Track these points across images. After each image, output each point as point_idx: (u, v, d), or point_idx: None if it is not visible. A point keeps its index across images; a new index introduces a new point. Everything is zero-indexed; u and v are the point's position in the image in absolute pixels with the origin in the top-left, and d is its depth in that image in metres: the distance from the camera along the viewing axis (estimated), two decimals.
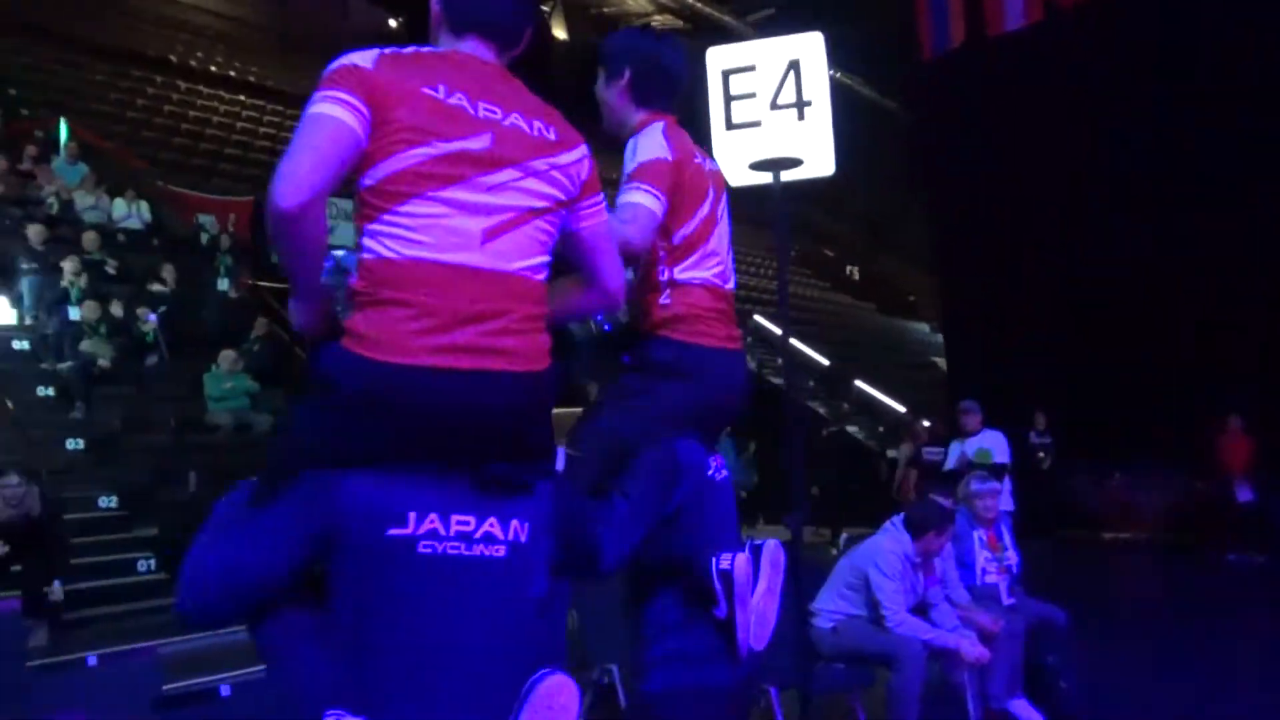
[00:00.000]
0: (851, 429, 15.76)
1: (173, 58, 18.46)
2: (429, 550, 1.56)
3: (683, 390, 2.25)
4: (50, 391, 9.12)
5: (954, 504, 4.75)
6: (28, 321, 9.78)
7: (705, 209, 2.31)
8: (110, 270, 10.63)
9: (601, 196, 1.87)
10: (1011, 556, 4.85)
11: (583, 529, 1.83)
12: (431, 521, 1.57)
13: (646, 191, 2.15)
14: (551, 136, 1.71)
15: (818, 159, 3.48)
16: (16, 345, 9.60)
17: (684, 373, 2.26)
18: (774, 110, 3.33)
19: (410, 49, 1.68)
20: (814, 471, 10.88)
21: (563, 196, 1.72)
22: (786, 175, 3.51)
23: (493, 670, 1.58)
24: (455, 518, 1.59)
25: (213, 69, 18.91)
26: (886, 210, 26.34)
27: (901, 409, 15.91)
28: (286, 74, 19.01)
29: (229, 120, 17.67)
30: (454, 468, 1.60)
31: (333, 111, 1.52)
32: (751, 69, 3.35)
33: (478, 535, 1.60)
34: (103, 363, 9.16)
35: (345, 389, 1.54)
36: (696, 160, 2.33)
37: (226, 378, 9.50)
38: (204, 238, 12.30)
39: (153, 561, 7.69)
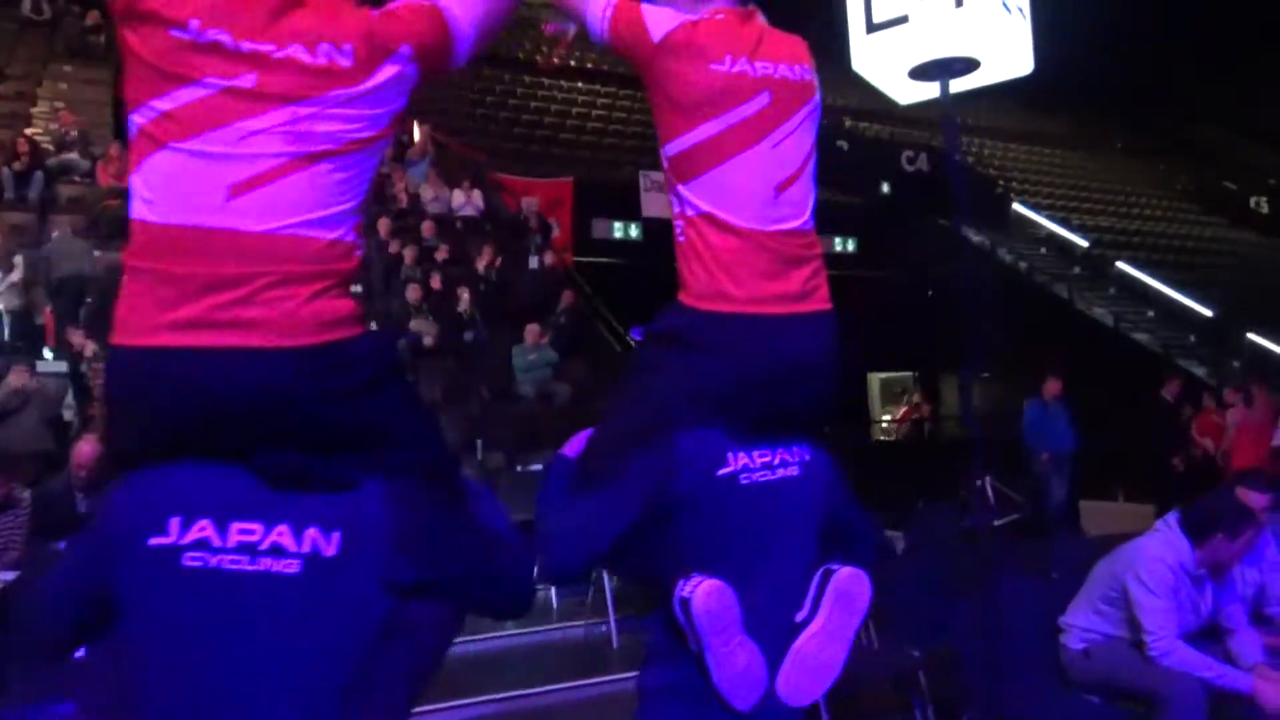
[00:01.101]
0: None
1: (520, 55, 19.96)
2: (197, 563, 1.34)
3: (690, 367, 1.80)
4: None
5: (1274, 498, 3.59)
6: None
7: (723, 123, 1.78)
8: (441, 256, 11.71)
9: None
10: None
11: (470, 537, 1.47)
12: (201, 529, 1.34)
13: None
14: (345, 63, 1.41)
15: (1003, 56, 2.69)
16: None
17: (694, 346, 1.80)
18: None
19: None
20: (1167, 441, 9.11)
21: (362, 133, 1.43)
22: (960, 84, 2.77)
23: (277, 710, 1.32)
24: (237, 525, 1.35)
25: (555, 61, 20.24)
26: None
27: None
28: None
29: (565, 107, 18.85)
30: (232, 464, 1.36)
31: None
32: None
33: (263, 547, 1.34)
34: (427, 340, 10.08)
35: (107, 380, 1.41)
36: (724, 65, 1.79)
37: (531, 350, 10.05)
38: (531, 220, 13.20)
39: None
